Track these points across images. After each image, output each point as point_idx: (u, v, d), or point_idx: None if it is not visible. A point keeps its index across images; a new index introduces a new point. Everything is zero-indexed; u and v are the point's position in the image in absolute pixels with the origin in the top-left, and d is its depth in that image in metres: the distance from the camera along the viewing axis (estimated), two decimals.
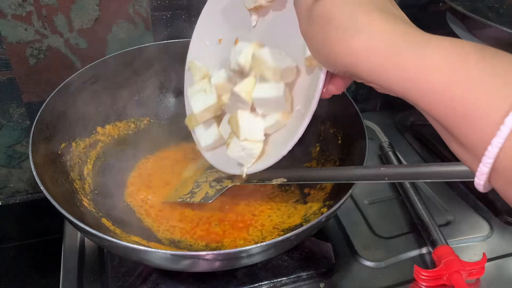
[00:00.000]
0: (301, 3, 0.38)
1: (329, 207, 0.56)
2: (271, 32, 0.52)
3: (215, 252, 0.44)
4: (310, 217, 0.58)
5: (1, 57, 0.68)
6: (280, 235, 0.56)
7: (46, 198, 0.48)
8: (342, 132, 0.65)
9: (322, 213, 0.54)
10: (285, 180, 0.54)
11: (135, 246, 0.45)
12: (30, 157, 0.53)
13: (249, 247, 0.44)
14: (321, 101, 0.45)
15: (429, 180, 0.59)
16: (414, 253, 0.63)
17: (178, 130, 0.72)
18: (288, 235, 0.45)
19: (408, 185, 0.69)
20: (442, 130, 0.32)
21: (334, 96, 0.65)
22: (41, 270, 0.74)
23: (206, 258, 0.45)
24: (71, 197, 0.58)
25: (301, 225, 0.58)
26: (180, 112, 0.74)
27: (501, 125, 0.26)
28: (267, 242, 0.44)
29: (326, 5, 0.35)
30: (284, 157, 0.59)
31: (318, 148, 0.68)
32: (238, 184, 0.58)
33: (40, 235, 0.77)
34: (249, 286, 0.57)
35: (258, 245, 0.44)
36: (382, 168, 0.49)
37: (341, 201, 0.50)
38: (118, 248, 0.48)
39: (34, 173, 0.51)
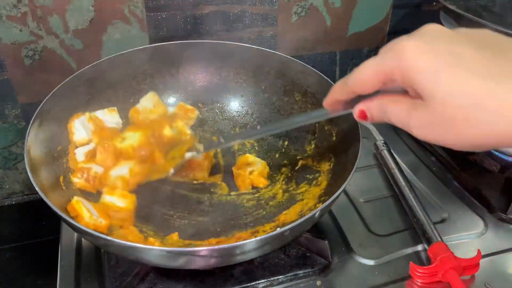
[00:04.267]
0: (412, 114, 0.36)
1: (324, 203, 0.57)
2: None
3: (210, 248, 0.44)
4: (306, 213, 0.58)
5: None
6: None
7: (41, 199, 0.48)
8: (337, 129, 0.65)
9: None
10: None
11: (130, 243, 0.45)
12: (26, 158, 0.53)
13: (244, 242, 0.44)
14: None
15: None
16: (410, 250, 0.63)
17: None
18: (282, 229, 0.45)
19: (404, 183, 0.69)
20: None
21: None
22: (37, 272, 0.74)
23: (201, 255, 0.45)
24: (67, 198, 0.58)
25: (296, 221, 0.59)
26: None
27: None
28: (261, 237, 0.45)
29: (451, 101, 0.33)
30: (280, 154, 0.69)
31: (313, 145, 0.69)
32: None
33: (36, 237, 0.77)
34: (246, 285, 0.57)
35: (253, 239, 0.44)
36: None
37: (334, 196, 0.50)
38: (114, 247, 0.48)
39: (30, 174, 0.51)
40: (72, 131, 0.63)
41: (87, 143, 0.64)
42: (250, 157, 0.69)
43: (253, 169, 0.67)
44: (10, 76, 0.70)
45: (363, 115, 0.41)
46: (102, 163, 0.62)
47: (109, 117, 0.67)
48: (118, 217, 0.58)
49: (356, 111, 0.41)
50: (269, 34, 0.81)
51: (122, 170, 0.61)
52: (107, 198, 0.59)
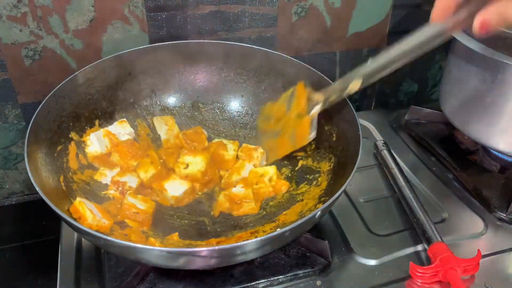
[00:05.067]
0: None
1: (325, 203, 0.57)
2: None
3: (210, 248, 0.44)
4: (306, 214, 0.58)
5: None
6: None
7: (42, 199, 0.48)
8: (337, 129, 0.65)
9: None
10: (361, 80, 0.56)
11: (130, 243, 0.45)
12: (26, 158, 0.53)
13: (244, 242, 0.44)
14: None
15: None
16: (410, 250, 0.63)
17: None
18: (282, 230, 0.45)
19: (404, 183, 0.69)
20: None
21: None
22: (37, 272, 0.74)
23: (201, 255, 0.45)
24: (67, 198, 0.58)
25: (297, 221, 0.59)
26: (176, 113, 0.75)
27: None
28: (261, 237, 0.45)
29: None
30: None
31: (313, 146, 0.69)
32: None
33: (36, 236, 0.77)
34: (246, 285, 0.57)
35: (253, 240, 0.44)
36: None
37: (334, 196, 0.50)
38: (114, 247, 0.48)
39: (30, 174, 0.51)
40: (87, 144, 0.66)
41: (99, 155, 0.66)
42: (260, 169, 0.67)
43: (269, 177, 0.66)
44: (10, 76, 0.70)
45: (485, 26, 0.40)
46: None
47: (121, 129, 0.68)
48: (136, 219, 0.59)
49: (476, 24, 0.40)
50: (269, 34, 0.81)
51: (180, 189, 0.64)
52: (130, 199, 0.60)
